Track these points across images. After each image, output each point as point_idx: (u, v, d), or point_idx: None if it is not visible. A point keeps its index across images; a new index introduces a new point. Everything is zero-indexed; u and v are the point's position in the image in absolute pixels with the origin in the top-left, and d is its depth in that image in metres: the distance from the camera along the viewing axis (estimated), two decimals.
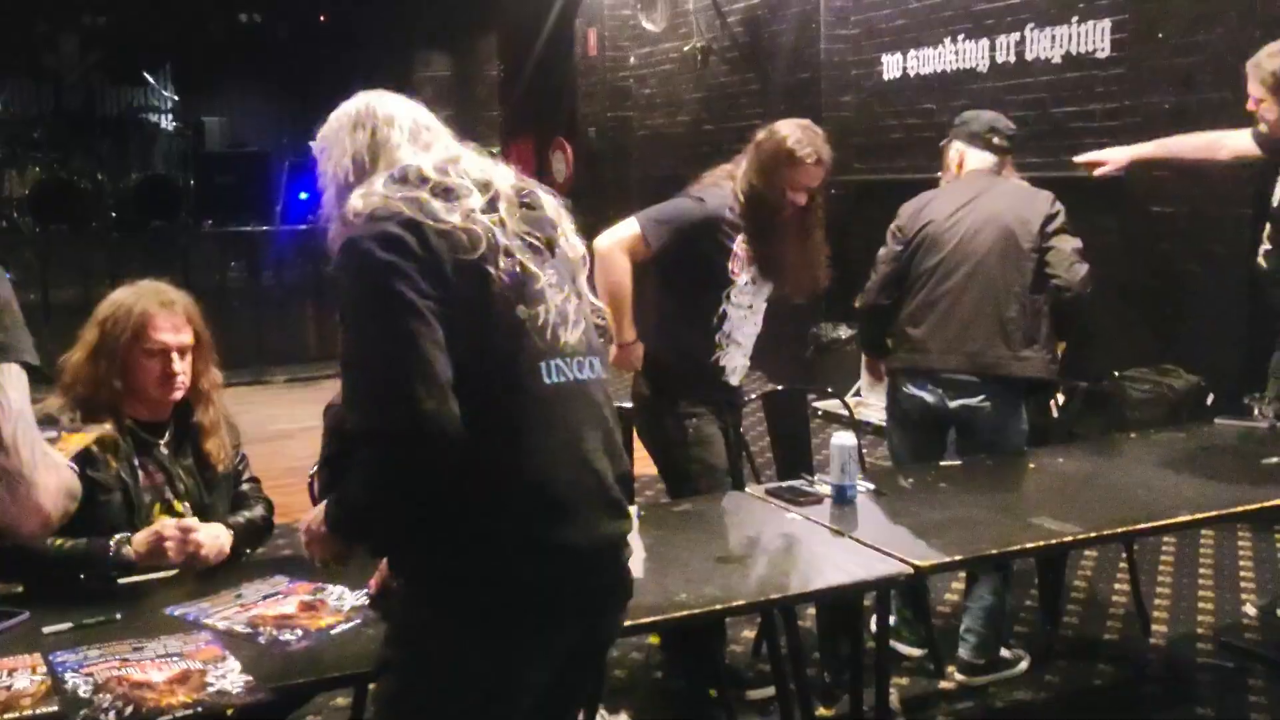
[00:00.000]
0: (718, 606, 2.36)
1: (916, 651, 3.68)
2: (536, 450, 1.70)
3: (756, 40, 8.45)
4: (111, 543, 2.45)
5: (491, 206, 1.75)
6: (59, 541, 2.42)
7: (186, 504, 2.66)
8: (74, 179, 10.72)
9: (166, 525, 2.49)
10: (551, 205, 1.90)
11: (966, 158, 3.73)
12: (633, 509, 2.16)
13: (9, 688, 1.87)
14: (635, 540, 1.96)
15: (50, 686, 1.88)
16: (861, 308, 3.87)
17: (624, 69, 10.16)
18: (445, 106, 12.37)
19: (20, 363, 1.55)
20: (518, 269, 1.72)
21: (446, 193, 1.72)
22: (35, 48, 12.99)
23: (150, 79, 12.97)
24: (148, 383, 2.60)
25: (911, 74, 7.07)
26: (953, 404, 3.53)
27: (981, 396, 3.48)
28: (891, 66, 7.23)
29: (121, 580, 2.44)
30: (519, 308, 1.71)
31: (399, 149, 1.82)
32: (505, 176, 1.83)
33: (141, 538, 2.46)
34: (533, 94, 11.33)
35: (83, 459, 2.51)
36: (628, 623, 2.30)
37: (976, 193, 3.63)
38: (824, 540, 2.74)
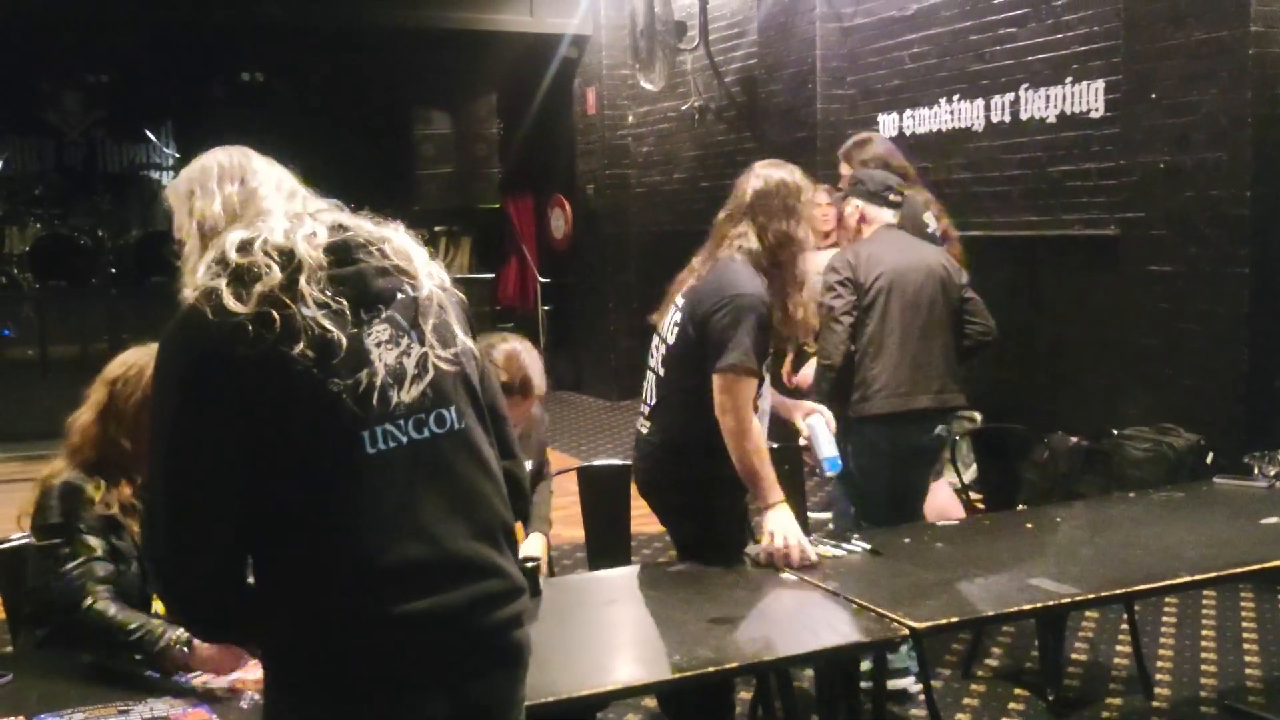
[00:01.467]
0: (711, 669, 2.32)
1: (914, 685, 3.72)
2: (360, 523, 1.63)
3: (753, 99, 8.52)
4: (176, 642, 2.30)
5: (291, 280, 1.64)
6: (125, 620, 2.34)
7: None
8: (74, 235, 10.75)
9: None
10: (398, 248, 1.77)
11: (868, 214, 4.01)
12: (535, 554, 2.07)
13: None
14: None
15: None
16: (836, 363, 3.85)
17: (622, 127, 10.24)
18: (445, 164, 12.56)
19: None
20: (323, 342, 1.62)
21: (240, 278, 1.62)
22: (38, 104, 13.10)
23: (152, 136, 13.07)
24: None
25: (908, 133, 7.12)
26: (931, 437, 3.90)
27: (942, 427, 3.93)
28: (888, 126, 7.28)
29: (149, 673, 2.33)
30: (332, 381, 1.62)
31: (265, 200, 1.76)
32: (314, 240, 1.69)
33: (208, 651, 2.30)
34: (532, 152, 11.42)
35: (106, 526, 2.46)
36: (627, 684, 2.28)
37: (905, 244, 3.99)
38: (819, 601, 2.71)
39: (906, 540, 3.23)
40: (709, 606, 2.68)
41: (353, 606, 1.62)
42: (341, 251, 1.70)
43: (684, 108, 9.34)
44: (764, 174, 3.21)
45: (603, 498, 3.69)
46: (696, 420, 3.02)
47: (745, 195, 3.20)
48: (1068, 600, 2.74)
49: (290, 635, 1.64)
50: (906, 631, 2.48)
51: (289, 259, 1.65)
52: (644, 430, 3.21)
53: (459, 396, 1.74)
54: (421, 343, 1.71)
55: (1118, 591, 2.85)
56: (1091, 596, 2.77)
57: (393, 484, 1.64)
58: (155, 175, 13.14)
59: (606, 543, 3.65)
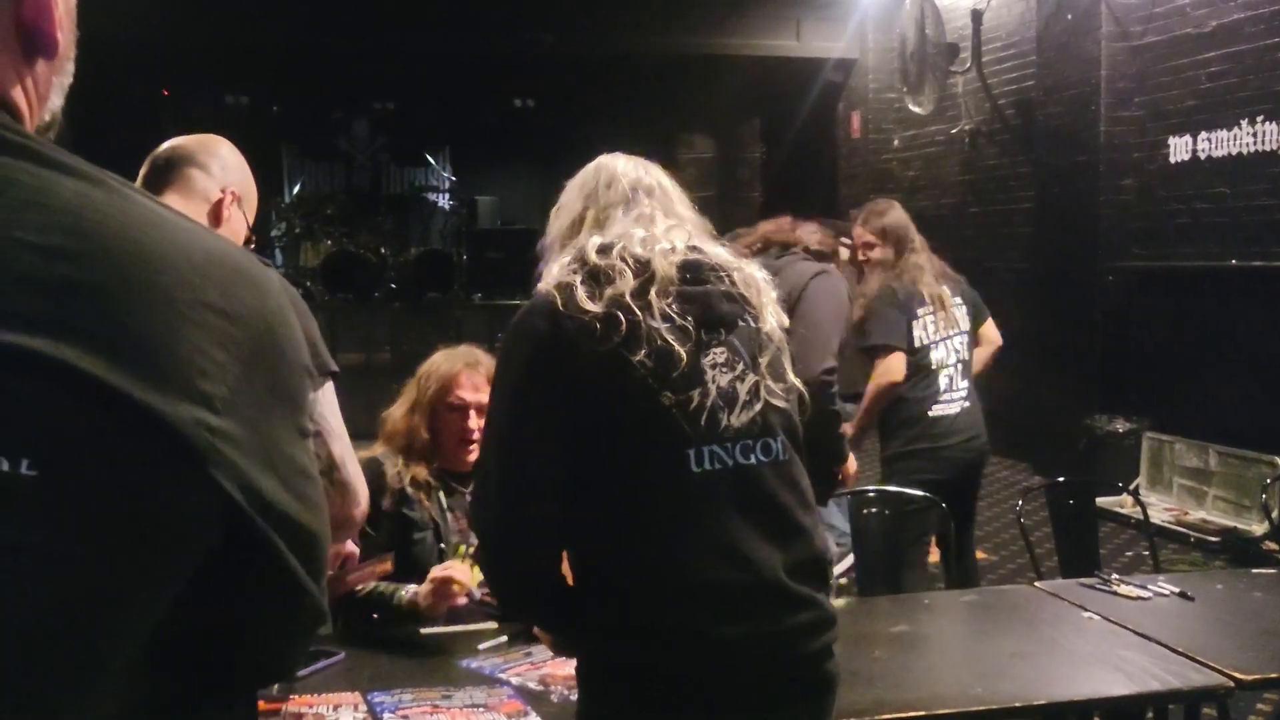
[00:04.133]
0: (1016, 704, 2.24)
1: None
2: (679, 540, 1.65)
3: (1028, 122, 8.24)
4: (401, 590, 2.59)
5: (643, 289, 1.68)
6: (360, 587, 2.58)
7: None
8: (360, 252, 11.51)
9: (436, 568, 2.60)
10: (747, 278, 1.79)
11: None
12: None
13: None
14: None
15: None
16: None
17: (887, 151, 10.11)
18: (707, 188, 12.74)
19: (327, 373, 1.83)
20: (663, 353, 1.65)
21: (596, 278, 1.68)
22: (331, 132, 14.12)
23: (431, 160, 13.86)
24: (449, 436, 2.78)
25: (1202, 156, 6.71)
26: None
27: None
28: (1179, 149, 6.89)
29: (425, 631, 2.54)
30: (664, 394, 1.64)
31: (611, 214, 1.80)
32: (671, 256, 1.73)
33: (425, 588, 2.56)
34: (793, 176, 11.42)
35: (399, 499, 2.70)
36: (926, 712, 2.24)
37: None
38: (1127, 643, 2.57)
39: (1219, 586, 3.02)
40: (1005, 639, 2.59)
41: (669, 623, 1.64)
42: (693, 271, 1.74)
43: (953, 131, 9.13)
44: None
45: None
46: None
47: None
48: None
49: (605, 644, 1.68)
50: (1231, 684, 2.32)
51: (643, 268, 1.70)
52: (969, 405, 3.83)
53: (784, 430, 1.75)
54: (755, 372, 1.73)
55: None
56: None
57: (714, 506, 1.66)
58: (432, 197, 13.92)
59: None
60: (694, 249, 1.77)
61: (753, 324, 1.76)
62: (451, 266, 11.81)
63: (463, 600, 2.53)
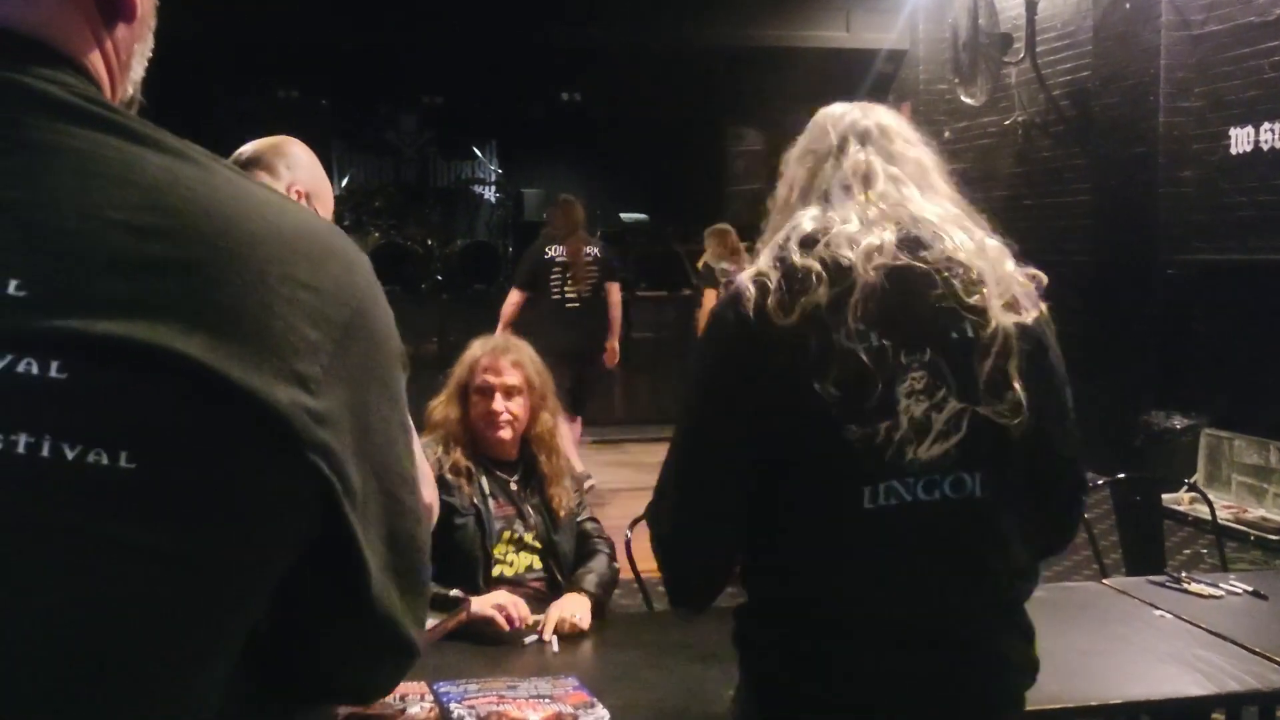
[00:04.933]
0: (1093, 702, 2.20)
1: None
2: (844, 573, 1.57)
3: (1084, 112, 8.11)
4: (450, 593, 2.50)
5: (839, 301, 1.52)
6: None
7: (535, 537, 2.79)
8: (407, 244, 11.57)
9: (505, 596, 2.56)
10: (973, 274, 1.56)
11: None
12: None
13: (404, 711, 1.97)
14: None
15: (439, 715, 1.97)
16: None
17: (939, 143, 9.94)
18: (754, 180, 12.69)
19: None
20: (854, 381, 1.51)
21: (792, 282, 1.53)
22: (379, 125, 14.21)
23: (478, 153, 13.91)
24: (478, 417, 2.81)
25: (1265, 147, 6.58)
26: None
27: None
28: (1241, 140, 6.75)
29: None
30: (849, 427, 1.51)
31: (821, 171, 1.66)
32: (878, 257, 1.54)
33: (486, 609, 2.50)
34: None
35: (439, 486, 2.71)
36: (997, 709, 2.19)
37: None
38: (1202, 643, 2.51)
39: None
40: (1077, 636, 2.54)
41: (829, 652, 1.58)
42: (903, 279, 1.55)
43: (1006, 122, 9.01)
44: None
45: None
46: None
47: None
48: None
49: (768, 664, 1.63)
50: None
51: (844, 275, 1.54)
52: None
53: (994, 459, 1.56)
54: (963, 396, 1.54)
55: None
56: None
57: (885, 541, 1.56)
58: (479, 189, 13.97)
59: None
60: (909, 240, 1.58)
61: (970, 333, 1.55)
62: (497, 258, 11.84)
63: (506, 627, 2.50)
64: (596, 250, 7.05)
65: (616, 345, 7.17)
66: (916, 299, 1.56)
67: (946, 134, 9.98)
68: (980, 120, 9.43)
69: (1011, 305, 1.58)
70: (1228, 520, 6.10)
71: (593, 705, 2.06)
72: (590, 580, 2.72)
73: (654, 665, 2.34)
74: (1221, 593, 2.85)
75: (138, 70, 0.82)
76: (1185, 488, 5.42)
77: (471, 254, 11.71)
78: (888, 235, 1.57)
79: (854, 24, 9.99)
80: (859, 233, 1.57)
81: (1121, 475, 3.79)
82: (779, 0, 9.79)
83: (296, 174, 2.00)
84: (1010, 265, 1.62)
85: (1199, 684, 2.29)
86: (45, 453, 0.62)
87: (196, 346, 0.65)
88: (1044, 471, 1.63)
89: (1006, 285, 1.58)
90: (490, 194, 14.03)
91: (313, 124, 11.97)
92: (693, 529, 1.63)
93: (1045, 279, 1.65)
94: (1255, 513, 6.25)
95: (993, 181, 9.39)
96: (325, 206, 2.05)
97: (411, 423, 1.95)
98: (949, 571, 1.57)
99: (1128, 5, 7.46)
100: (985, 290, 1.56)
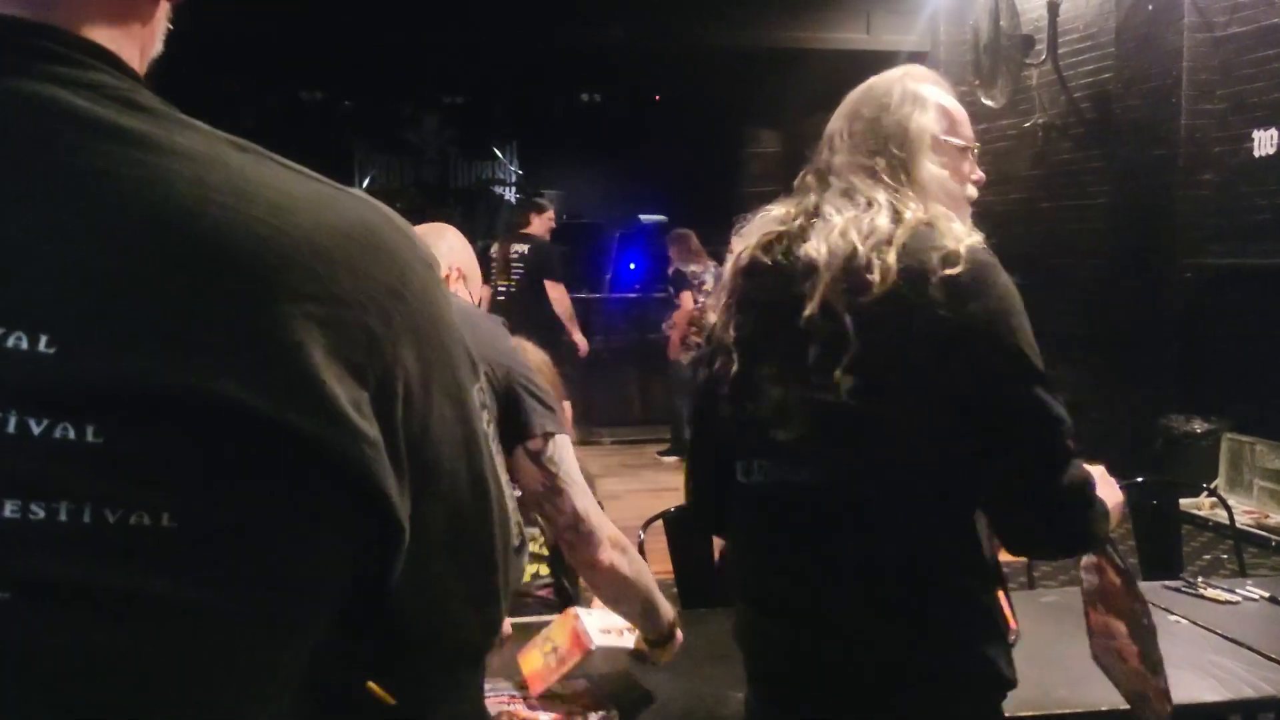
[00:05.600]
0: (1104, 708, 2.19)
1: None
2: (734, 546, 1.75)
3: (1105, 115, 8.07)
4: None
5: (721, 291, 1.72)
6: None
7: (541, 545, 2.80)
8: None
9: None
10: (827, 261, 1.54)
11: None
12: None
13: None
14: None
15: None
16: None
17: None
18: (771, 183, 12.65)
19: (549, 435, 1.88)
20: (724, 364, 1.66)
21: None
22: (401, 125, 14.28)
23: (499, 154, 13.96)
24: None
25: None
26: None
27: None
28: (1264, 143, 6.71)
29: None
30: (724, 404, 1.67)
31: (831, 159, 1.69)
32: (744, 252, 1.68)
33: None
34: None
35: None
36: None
37: None
38: (1217, 648, 2.50)
39: None
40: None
41: (743, 624, 1.76)
42: (757, 267, 1.66)
43: (1025, 125, 8.97)
44: None
45: None
46: None
47: None
48: None
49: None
50: None
51: (738, 257, 1.70)
52: None
53: (847, 442, 1.54)
54: (800, 381, 1.55)
55: None
56: None
57: (754, 516, 1.68)
58: (499, 190, 14.01)
59: None
60: (783, 236, 1.63)
61: (804, 322, 1.54)
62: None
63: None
64: (525, 249, 7.53)
65: (577, 338, 7.59)
66: (767, 291, 1.63)
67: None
68: (999, 122, 9.39)
69: (857, 288, 1.51)
70: (1249, 525, 6.06)
71: (603, 707, 2.07)
72: None
73: (665, 666, 2.35)
74: (1238, 598, 2.83)
75: (159, 45, 0.76)
76: (1205, 493, 5.39)
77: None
78: (753, 235, 1.69)
79: (874, 25, 9.97)
80: (757, 227, 1.69)
81: (1140, 479, 3.77)
82: (799, 2, 9.77)
83: (455, 256, 2.15)
84: (898, 249, 1.51)
85: (1214, 690, 2.28)
86: (87, 519, 0.60)
87: (233, 386, 0.61)
88: (935, 464, 1.53)
89: (853, 270, 1.52)
90: (510, 194, 14.08)
91: (334, 124, 12.05)
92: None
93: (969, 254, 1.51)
94: (1276, 518, 6.21)
95: (1009, 184, 9.35)
96: (476, 286, 2.21)
97: (577, 476, 1.93)
98: (801, 554, 1.61)
99: (1150, 7, 7.42)
100: (820, 277, 1.54)
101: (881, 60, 10.45)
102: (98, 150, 0.63)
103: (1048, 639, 2.52)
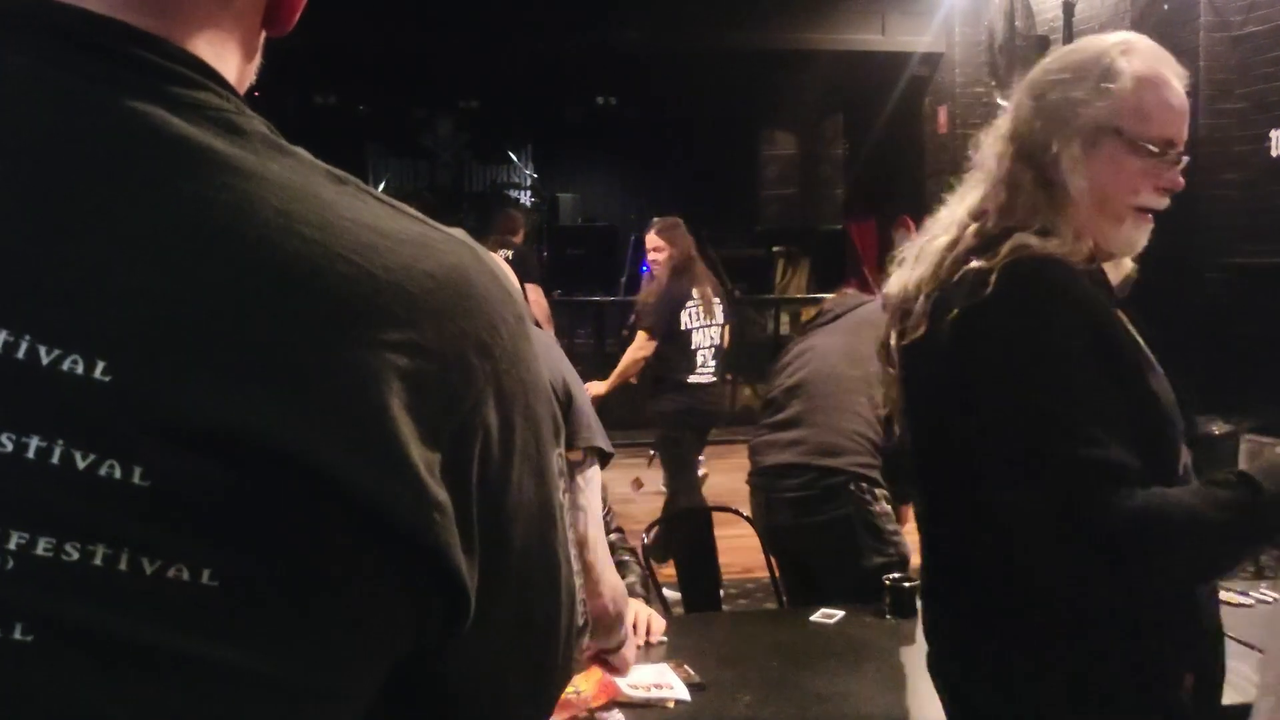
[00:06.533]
0: None
1: None
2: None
3: None
4: None
5: None
6: None
7: None
8: None
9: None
10: None
11: None
12: None
13: None
14: None
15: None
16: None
17: (975, 147, 9.91)
18: (788, 185, 12.67)
19: (595, 450, 1.83)
20: None
21: None
22: (416, 129, 14.31)
23: (514, 158, 13.97)
24: None
25: None
26: None
27: None
28: None
29: None
30: None
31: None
32: None
33: None
34: (877, 172, 11.28)
35: None
36: None
37: None
38: (1231, 651, 2.46)
39: None
40: None
41: None
42: None
43: None
44: None
45: None
46: None
47: None
48: None
49: None
50: None
51: None
52: None
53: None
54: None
55: None
56: None
57: None
58: (515, 194, 14.03)
59: None
60: None
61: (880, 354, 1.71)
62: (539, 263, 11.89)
63: None
64: (510, 254, 7.69)
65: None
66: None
67: (982, 137, 9.89)
68: None
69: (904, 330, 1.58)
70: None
71: (609, 708, 2.05)
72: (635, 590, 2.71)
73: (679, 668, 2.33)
74: (1251, 601, 2.80)
75: (252, 75, 0.75)
76: None
77: (506, 259, 11.76)
78: None
79: (889, 27, 9.93)
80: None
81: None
82: (813, 3, 9.75)
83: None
84: None
85: (1226, 694, 2.24)
86: (123, 566, 0.56)
87: (295, 432, 0.57)
88: None
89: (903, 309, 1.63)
90: (526, 198, 14.09)
91: (349, 129, 12.08)
92: None
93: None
94: None
95: None
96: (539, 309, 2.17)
97: (595, 505, 1.87)
98: None
99: (1165, 7, 7.37)
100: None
101: (896, 61, 10.48)
102: (182, 172, 0.59)
103: None
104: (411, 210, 0.66)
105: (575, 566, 0.57)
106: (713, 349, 5.72)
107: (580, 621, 0.59)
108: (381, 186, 13.50)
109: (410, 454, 0.58)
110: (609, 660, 2.10)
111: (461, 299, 0.63)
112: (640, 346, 5.73)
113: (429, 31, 9.70)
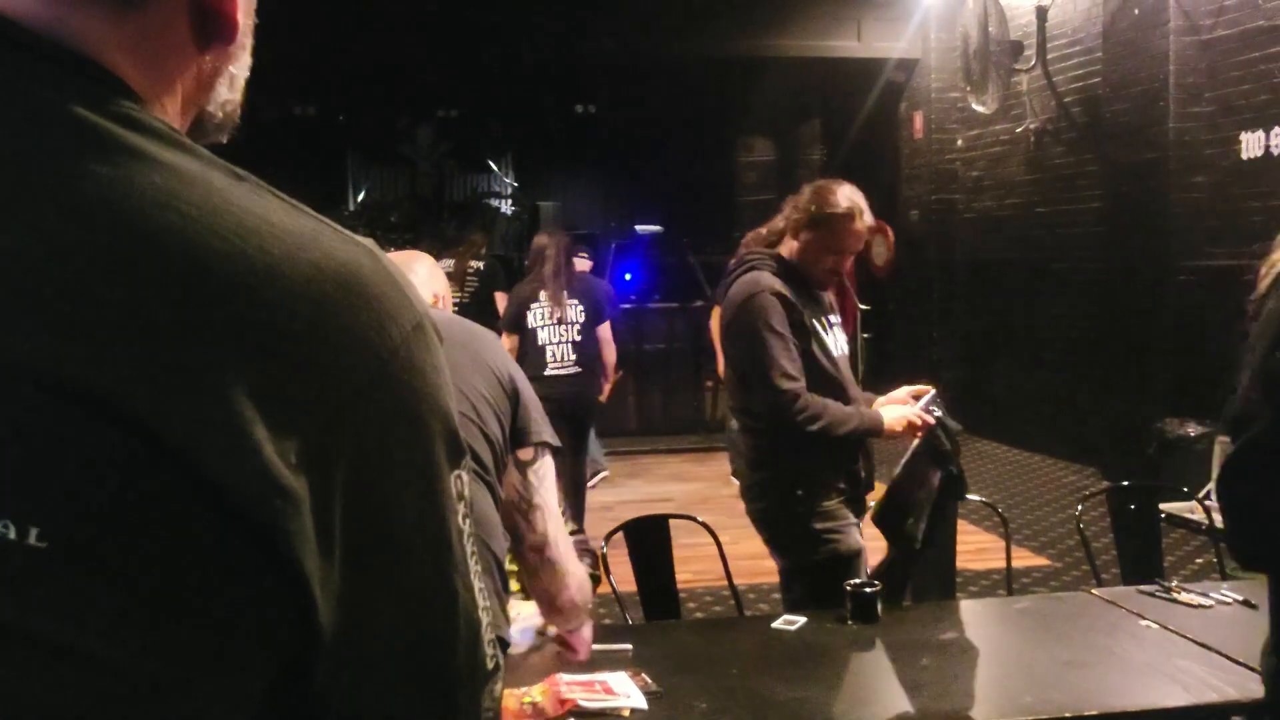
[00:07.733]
0: (1067, 714, 2.18)
1: None
2: None
3: (1095, 120, 8.07)
4: None
5: None
6: None
7: None
8: None
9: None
10: None
11: None
12: None
13: None
14: None
15: None
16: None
17: (950, 151, 9.98)
18: (767, 191, 12.69)
19: (544, 444, 1.87)
20: None
21: None
22: (396, 138, 14.29)
23: (494, 166, 13.98)
24: None
25: (1276, 152, 6.52)
26: None
27: None
28: (1252, 145, 6.70)
29: None
30: None
31: None
32: None
33: None
34: (854, 178, 11.20)
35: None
36: None
37: None
38: (1186, 653, 2.49)
39: None
40: (1059, 648, 2.53)
41: None
42: None
43: (1018, 130, 8.98)
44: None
45: None
46: None
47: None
48: None
49: None
50: None
51: None
52: None
53: None
54: None
55: None
56: None
57: None
58: (495, 203, 14.02)
59: None
60: None
61: None
62: (513, 271, 11.86)
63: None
64: (480, 265, 8.08)
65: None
66: None
67: (959, 142, 9.96)
68: (992, 128, 9.40)
69: None
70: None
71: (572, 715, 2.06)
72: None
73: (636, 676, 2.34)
74: (1211, 602, 2.83)
75: (222, 93, 0.74)
76: (1188, 497, 5.36)
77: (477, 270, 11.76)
78: None
79: (865, 33, 9.98)
80: None
81: (1118, 484, 3.76)
82: (790, 11, 9.79)
83: (435, 285, 2.17)
84: None
85: (1176, 695, 2.27)
86: None
87: (128, 390, 0.55)
88: None
89: None
90: (506, 207, 14.09)
91: (328, 138, 12.07)
92: None
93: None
94: None
95: (1004, 189, 9.35)
96: (448, 304, 2.24)
97: (552, 501, 1.89)
98: None
99: (1136, 12, 7.43)
100: None
101: (872, 67, 10.52)
102: (68, 149, 0.59)
103: (1015, 645, 2.52)
104: (314, 213, 0.65)
105: (483, 603, 0.55)
106: (569, 344, 5.98)
107: (489, 666, 0.56)
108: (361, 196, 13.51)
109: (253, 431, 0.56)
110: (568, 641, 2.16)
111: (347, 294, 0.61)
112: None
113: (408, 41, 9.70)
